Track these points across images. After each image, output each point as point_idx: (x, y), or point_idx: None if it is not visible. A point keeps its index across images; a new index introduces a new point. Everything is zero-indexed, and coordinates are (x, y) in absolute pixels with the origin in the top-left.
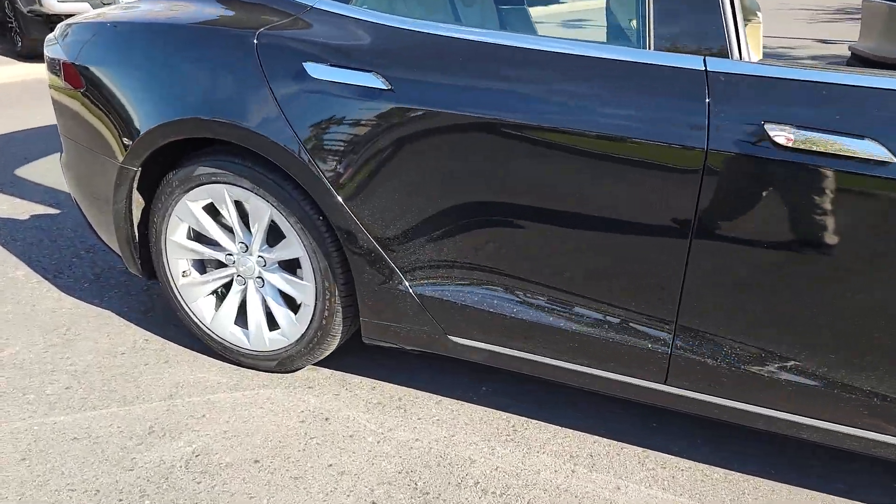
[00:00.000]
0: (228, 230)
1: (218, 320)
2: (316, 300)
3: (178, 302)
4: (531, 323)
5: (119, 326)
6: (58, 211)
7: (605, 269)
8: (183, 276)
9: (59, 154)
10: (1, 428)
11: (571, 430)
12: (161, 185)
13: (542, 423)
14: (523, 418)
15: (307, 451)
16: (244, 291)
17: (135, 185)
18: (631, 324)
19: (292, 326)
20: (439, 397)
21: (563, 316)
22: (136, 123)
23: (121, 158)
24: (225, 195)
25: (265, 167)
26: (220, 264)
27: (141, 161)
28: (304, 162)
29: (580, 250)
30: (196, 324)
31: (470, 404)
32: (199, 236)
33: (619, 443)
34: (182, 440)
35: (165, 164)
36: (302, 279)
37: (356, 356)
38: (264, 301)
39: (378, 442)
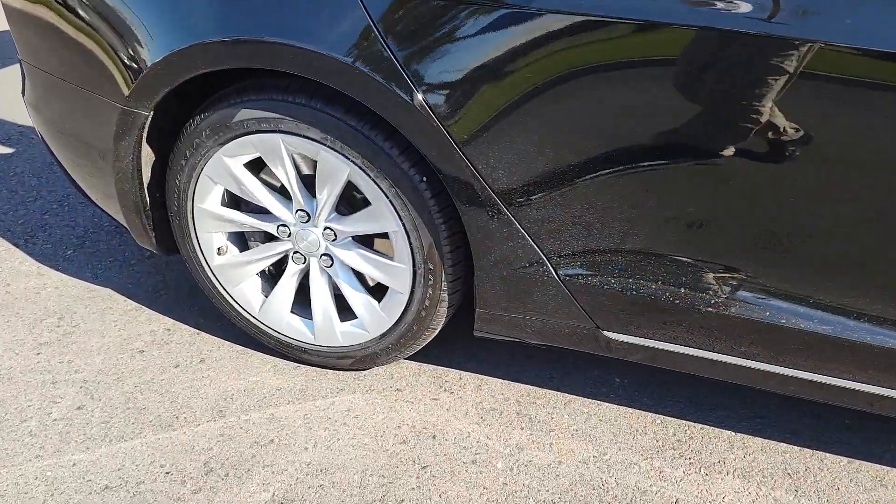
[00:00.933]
0: (281, 194)
1: (270, 309)
2: (414, 286)
3: (213, 286)
4: (734, 318)
5: (127, 312)
6: (10, 150)
7: (861, 249)
8: (218, 253)
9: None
10: (1, 477)
11: (749, 437)
12: (183, 134)
13: (707, 427)
14: (682, 423)
15: (423, 489)
16: (303, 272)
17: (145, 135)
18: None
19: (376, 318)
20: (566, 397)
21: (787, 311)
22: (146, 48)
23: (125, 95)
24: (281, 148)
25: (345, 110)
26: (269, 238)
27: (154, 102)
28: (408, 101)
29: (830, 227)
30: (239, 313)
31: (608, 405)
32: (236, 202)
33: (817, 452)
34: (254, 482)
35: (182, 104)
36: (385, 257)
37: (440, 345)
38: (332, 284)
39: (511, 469)
